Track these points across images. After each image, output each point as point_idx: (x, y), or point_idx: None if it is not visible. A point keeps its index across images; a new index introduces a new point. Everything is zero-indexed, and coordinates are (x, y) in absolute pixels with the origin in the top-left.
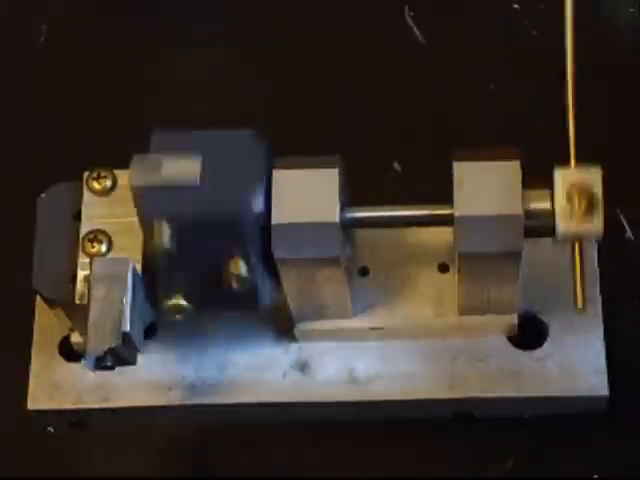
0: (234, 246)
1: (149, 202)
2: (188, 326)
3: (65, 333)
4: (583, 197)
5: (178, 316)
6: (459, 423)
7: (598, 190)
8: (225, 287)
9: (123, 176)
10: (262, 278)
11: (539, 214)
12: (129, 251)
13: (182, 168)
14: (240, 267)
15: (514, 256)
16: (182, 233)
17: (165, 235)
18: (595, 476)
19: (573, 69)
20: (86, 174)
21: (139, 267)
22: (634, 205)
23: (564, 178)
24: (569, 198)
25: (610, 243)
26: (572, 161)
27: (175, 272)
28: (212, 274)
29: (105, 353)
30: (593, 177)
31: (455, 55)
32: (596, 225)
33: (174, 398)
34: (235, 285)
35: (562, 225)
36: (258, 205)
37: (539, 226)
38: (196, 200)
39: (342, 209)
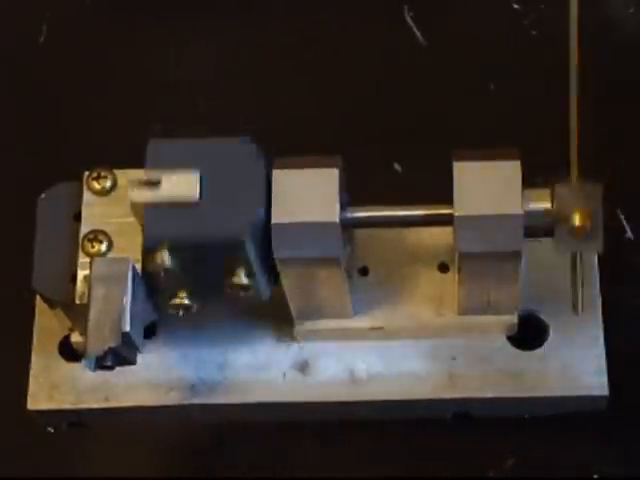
0: (236, 260)
1: (148, 223)
2: (188, 326)
3: (65, 333)
4: (584, 218)
5: (180, 312)
6: (459, 423)
7: (598, 208)
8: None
9: (123, 176)
10: (262, 278)
11: (539, 214)
12: (129, 251)
13: (181, 184)
14: (243, 279)
15: (514, 256)
16: (183, 252)
17: (165, 256)
18: (595, 476)
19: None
20: (86, 174)
21: (139, 267)
22: (634, 205)
23: (564, 197)
24: (570, 217)
25: (610, 243)
26: (573, 176)
27: (176, 283)
28: (214, 279)
29: (105, 353)
30: (595, 194)
31: (455, 55)
32: (596, 244)
33: (174, 398)
34: (239, 293)
35: (562, 246)
36: (259, 223)
37: (539, 226)
38: (196, 221)
39: (342, 209)
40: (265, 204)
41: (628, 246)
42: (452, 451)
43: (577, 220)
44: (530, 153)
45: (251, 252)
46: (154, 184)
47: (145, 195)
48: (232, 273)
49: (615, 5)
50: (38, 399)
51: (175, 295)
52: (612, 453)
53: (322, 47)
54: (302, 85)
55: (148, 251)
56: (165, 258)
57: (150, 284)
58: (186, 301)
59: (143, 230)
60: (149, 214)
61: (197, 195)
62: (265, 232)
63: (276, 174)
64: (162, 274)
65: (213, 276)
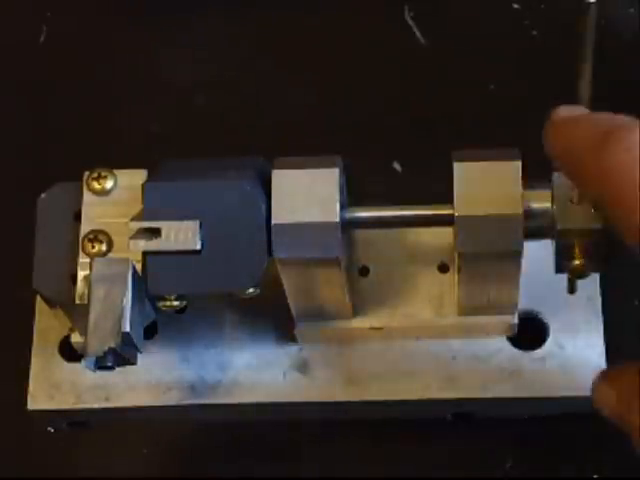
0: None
1: (150, 273)
2: (188, 326)
3: (65, 333)
4: (583, 261)
5: (173, 310)
6: (459, 423)
7: (601, 237)
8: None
9: (123, 176)
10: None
11: (539, 214)
12: (129, 251)
13: (181, 233)
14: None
15: (514, 256)
16: (187, 297)
17: (174, 302)
18: (595, 476)
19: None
20: (86, 174)
21: (139, 267)
22: None
23: (567, 218)
24: (571, 255)
25: None
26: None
27: None
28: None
29: (105, 353)
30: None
31: (455, 55)
32: (597, 267)
33: (174, 398)
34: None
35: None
36: (260, 274)
37: (539, 226)
38: (198, 276)
39: (342, 209)
40: (267, 253)
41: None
42: (452, 451)
43: (577, 263)
44: (530, 153)
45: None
46: (155, 233)
47: (145, 244)
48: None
49: (615, 5)
50: (38, 399)
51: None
52: (612, 453)
53: (322, 47)
54: (302, 85)
55: (152, 299)
56: (173, 302)
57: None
58: (175, 303)
59: (144, 276)
60: (151, 263)
61: (198, 245)
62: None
63: (276, 174)
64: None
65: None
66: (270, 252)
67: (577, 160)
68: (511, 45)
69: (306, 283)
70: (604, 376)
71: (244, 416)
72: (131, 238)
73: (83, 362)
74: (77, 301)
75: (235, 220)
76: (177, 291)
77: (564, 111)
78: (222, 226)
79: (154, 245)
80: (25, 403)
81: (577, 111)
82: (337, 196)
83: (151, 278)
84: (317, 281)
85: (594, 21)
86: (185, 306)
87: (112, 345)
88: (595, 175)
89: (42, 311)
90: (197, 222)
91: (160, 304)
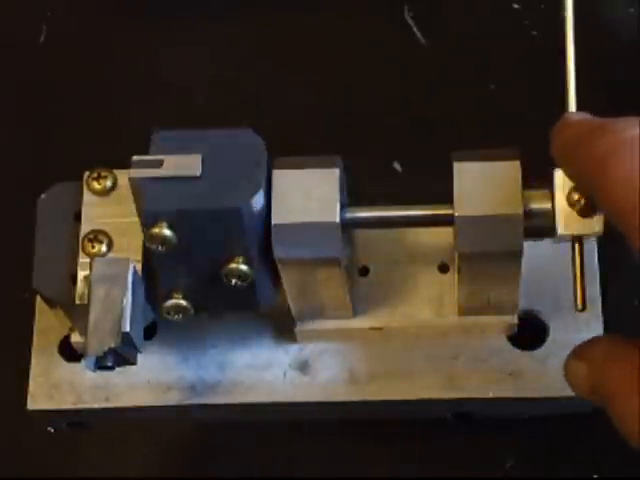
0: (235, 244)
1: (149, 196)
2: (188, 326)
3: (65, 333)
4: (583, 196)
5: (177, 317)
6: (459, 423)
7: None
8: (226, 284)
9: (123, 176)
10: (262, 276)
11: (539, 214)
12: (129, 251)
13: (183, 163)
14: (241, 264)
15: (514, 256)
16: (182, 229)
17: (165, 230)
18: (595, 476)
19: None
20: (86, 174)
21: (139, 267)
22: None
23: (564, 178)
24: (569, 198)
25: (610, 242)
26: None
27: (175, 271)
28: (212, 273)
29: (105, 353)
30: None
31: (455, 55)
32: (596, 223)
33: (174, 398)
34: (236, 282)
35: (562, 224)
36: (259, 201)
37: (539, 226)
38: (197, 195)
39: (342, 209)
40: (265, 186)
41: (627, 245)
42: (452, 451)
43: (576, 197)
44: (530, 153)
45: (250, 235)
46: (156, 164)
47: (146, 172)
48: (230, 260)
49: (615, 5)
50: (38, 399)
51: (170, 296)
52: (612, 453)
53: (322, 47)
54: (302, 85)
55: (148, 223)
56: (164, 230)
57: (148, 277)
58: (182, 302)
59: (141, 206)
60: (150, 187)
61: (198, 171)
62: (264, 224)
63: (276, 174)
64: (161, 249)
65: (211, 265)
66: (269, 188)
67: (571, 153)
68: (511, 45)
69: (306, 283)
70: (573, 352)
71: (244, 416)
72: (132, 168)
73: (83, 362)
74: (77, 301)
75: (237, 155)
76: (175, 206)
77: (572, 118)
78: (223, 160)
79: (155, 173)
80: (25, 403)
81: (585, 117)
82: (337, 196)
83: (149, 197)
84: (317, 281)
85: (572, 18)
86: (187, 308)
87: (112, 345)
88: (585, 164)
89: (42, 311)
90: (199, 155)
91: (150, 232)
